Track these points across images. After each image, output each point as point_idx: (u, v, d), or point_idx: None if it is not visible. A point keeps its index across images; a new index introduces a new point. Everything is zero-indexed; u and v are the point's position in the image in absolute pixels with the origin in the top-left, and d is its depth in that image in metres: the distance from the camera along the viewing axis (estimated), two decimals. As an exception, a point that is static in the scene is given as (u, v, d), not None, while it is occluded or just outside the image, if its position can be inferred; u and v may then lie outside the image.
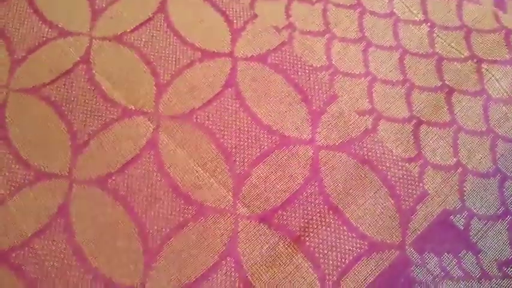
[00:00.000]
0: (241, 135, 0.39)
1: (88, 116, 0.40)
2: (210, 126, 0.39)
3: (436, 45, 0.44)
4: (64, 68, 0.41)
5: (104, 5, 0.44)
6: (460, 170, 0.39)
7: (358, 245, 0.36)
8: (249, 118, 0.40)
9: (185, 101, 0.40)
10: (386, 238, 0.37)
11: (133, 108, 0.40)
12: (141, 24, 0.43)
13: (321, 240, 0.36)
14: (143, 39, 0.42)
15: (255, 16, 0.44)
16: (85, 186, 0.37)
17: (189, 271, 0.35)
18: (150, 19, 0.43)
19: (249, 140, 0.39)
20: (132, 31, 0.43)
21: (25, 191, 0.37)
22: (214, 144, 0.39)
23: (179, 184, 0.37)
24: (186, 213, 0.36)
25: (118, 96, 0.40)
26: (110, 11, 0.43)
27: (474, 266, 0.36)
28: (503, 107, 0.41)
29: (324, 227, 0.36)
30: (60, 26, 0.42)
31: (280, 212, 0.37)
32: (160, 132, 0.39)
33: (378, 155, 0.39)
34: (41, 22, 0.43)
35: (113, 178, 0.37)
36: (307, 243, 0.36)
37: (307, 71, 0.42)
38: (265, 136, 0.39)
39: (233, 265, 0.35)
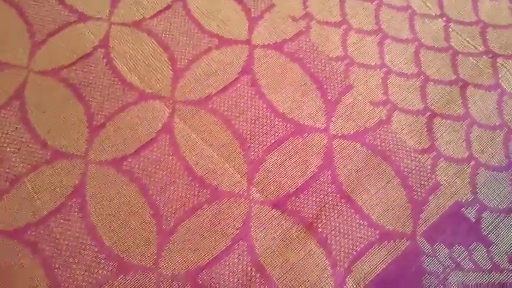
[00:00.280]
0: (257, 122, 0.39)
1: (105, 98, 0.40)
2: (226, 113, 0.40)
3: (451, 39, 0.44)
4: (83, 51, 0.42)
5: (123, -9, 0.44)
6: (472, 163, 0.39)
7: (369, 233, 0.37)
8: (265, 105, 0.40)
9: (201, 87, 0.40)
10: (398, 227, 0.37)
11: (150, 92, 0.40)
12: (160, 12, 0.44)
13: (333, 228, 0.36)
14: (161, 26, 0.43)
15: (273, 5, 0.44)
16: (101, 167, 0.37)
17: (202, 253, 0.35)
18: (168, 6, 0.44)
19: (264, 127, 0.39)
20: (151, 18, 0.43)
21: (42, 169, 0.37)
22: (230, 130, 0.39)
23: (194, 168, 0.38)
24: (201, 197, 0.37)
25: (135, 80, 0.41)
26: (129, -3, 0.44)
27: (485, 258, 0.36)
28: (517, 102, 0.41)
29: (336, 215, 0.37)
30: (80, 10, 0.43)
31: (293, 198, 0.37)
32: (176, 117, 0.39)
33: (391, 146, 0.39)
34: (60, 6, 0.43)
35: (129, 160, 0.38)
36: (320, 230, 0.36)
37: (323, 61, 0.42)
38: (280, 123, 0.39)
39: (246, 249, 0.35)
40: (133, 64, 0.41)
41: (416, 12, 0.45)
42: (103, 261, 0.35)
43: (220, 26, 0.43)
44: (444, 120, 0.40)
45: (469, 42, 0.44)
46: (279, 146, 0.39)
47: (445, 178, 0.38)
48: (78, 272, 0.34)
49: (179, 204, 0.37)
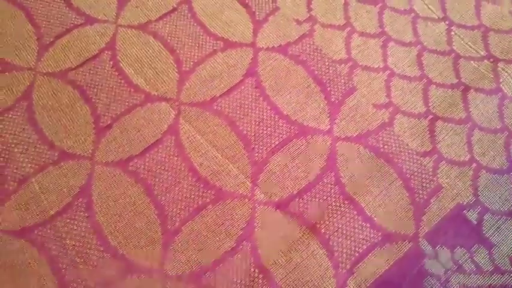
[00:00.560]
0: (261, 124, 0.40)
1: (112, 100, 0.41)
2: (230, 114, 0.40)
3: (453, 43, 0.44)
4: (90, 53, 0.42)
5: (129, -6, 0.45)
6: (474, 165, 0.39)
7: (372, 235, 0.37)
8: (269, 107, 0.41)
9: (206, 88, 0.41)
10: (400, 229, 0.37)
11: (156, 95, 0.41)
12: (166, 14, 0.44)
13: (336, 229, 0.37)
14: (167, 29, 0.43)
15: (277, 9, 0.45)
16: (107, 168, 0.38)
17: (206, 253, 0.36)
18: (174, 9, 0.45)
19: (268, 129, 0.40)
20: (156, 20, 0.44)
21: (49, 170, 0.38)
22: (234, 131, 0.39)
23: (199, 169, 0.38)
24: (205, 197, 0.37)
25: (141, 82, 0.41)
26: (135, 0, 0.44)
27: (486, 260, 0.37)
28: (518, 106, 0.42)
29: (339, 216, 0.37)
30: (87, 13, 0.44)
31: (297, 199, 0.38)
32: (181, 119, 0.40)
33: (394, 148, 0.40)
34: (68, 9, 0.44)
35: (135, 161, 0.38)
36: (323, 231, 0.37)
37: (326, 64, 0.42)
38: (284, 125, 0.40)
39: (249, 250, 0.36)
40: (140, 66, 0.42)
41: (419, 16, 0.46)
42: (109, 261, 0.35)
43: (225, 28, 0.44)
44: (446, 123, 0.41)
45: (470, 47, 0.44)
46: (282, 147, 0.39)
47: (446, 180, 0.39)
48: (85, 272, 0.35)
49: (184, 205, 0.37)
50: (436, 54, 0.44)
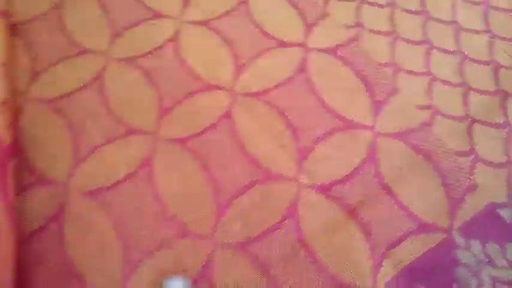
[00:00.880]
0: (309, 116, 0.43)
1: (174, 85, 0.45)
2: (281, 105, 0.44)
3: (494, 54, 0.47)
4: (156, 44, 0.47)
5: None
6: (509, 167, 0.42)
7: (407, 224, 0.39)
8: (317, 101, 0.44)
9: (260, 81, 0.45)
10: (435, 221, 0.40)
11: (214, 84, 0.45)
12: (226, 13, 0.49)
13: (374, 215, 0.40)
14: (227, 26, 0.48)
15: (327, 14, 0.48)
16: (168, 144, 0.42)
17: (253, 227, 0.39)
18: (233, 9, 0.49)
19: (316, 121, 0.43)
20: (218, 18, 0.48)
21: (116, 142, 0.42)
22: (284, 120, 0.43)
23: (249, 151, 0.42)
24: (254, 177, 0.41)
25: (201, 72, 0.45)
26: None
27: (517, 257, 0.39)
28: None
29: (377, 204, 0.40)
30: (154, 8, 0.48)
31: (338, 186, 0.41)
32: (236, 106, 0.44)
33: (433, 147, 0.42)
34: (139, 4, 0.49)
35: (193, 140, 0.42)
36: (361, 217, 0.39)
37: (372, 66, 0.46)
38: (330, 118, 0.43)
39: (292, 226, 0.39)
40: (200, 58, 0.46)
41: (462, 27, 0.49)
42: (166, 225, 0.39)
43: (280, 29, 0.48)
44: (484, 127, 0.43)
45: (511, 57, 0.47)
46: (327, 137, 0.42)
47: (481, 180, 0.41)
48: (143, 233, 0.38)
49: (235, 182, 0.41)
50: (476, 63, 0.46)
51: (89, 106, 0.44)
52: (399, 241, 0.39)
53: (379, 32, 0.47)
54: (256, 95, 0.44)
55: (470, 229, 0.40)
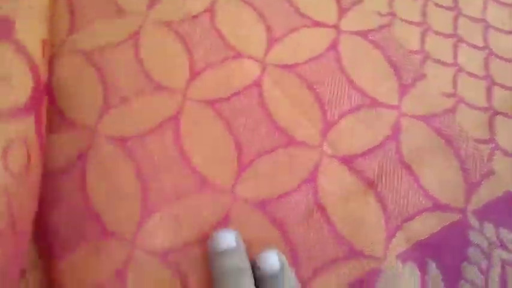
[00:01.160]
0: (336, 91, 0.45)
1: (206, 51, 0.47)
2: (309, 78, 0.45)
3: (521, 53, 0.49)
4: (192, 13, 0.48)
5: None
6: (527, 159, 0.43)
7: (424, 202, 0.40)
8: (345, 79, 0.45)
9: (291, 55, 0.47)
10: (451, 202, 0.41)
11: (245, 53, 0.46)
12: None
13: (391, 189, 0.41)
14: (261, 3, 0.49)
15: (361, 1, 0.50)
16: (196, 104, 0.43)
17: (272, 188, 0.40)
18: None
19: (342, 96, 0.44)
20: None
21: (146, 96, 0.43)
22: (311, 93, 0.44)
23: (275, 118, 0.43)
24: (278, 141, 0.42)
25: (234, 41, 0.47)
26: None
27: (529, 246, 0.39)
28: None
29: (396, 179, 0.41)
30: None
31: (359, 158, 0.42)
32: (265, 76, 0.45)
33: (454, 132, 0.43)
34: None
35: (220, 103, 0.44)
36: (379, 189, 0.40)
37: (401, 52, 0.47)
38: (357, 95, 0.45)
39: (311, 191, 0.40)
40: (234, 28, 0.48)
41: (490, 25, 0.50)
42: (188, 176, 0.40)
43: (315, 10, 0.49)
44: (506, 118, 0.44)
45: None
46: (353, 112, 0.44)
47: (499, 168, 0.42)
48: (163, 183, 0.40)
49: (258, 144, 0.42)
50: (503, 61, 0.48)
51: (122, 61, 0.45)
52: (414, 215, 0.40)
53: (410, 22, 0.49)
54: (286, 67, 0.46)
55: (485, 213, 0.40)
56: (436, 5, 0.51)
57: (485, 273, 0.38)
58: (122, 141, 0.41)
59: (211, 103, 0.44)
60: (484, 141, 0.43)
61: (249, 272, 0.34)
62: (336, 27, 0.49)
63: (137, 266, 0.37)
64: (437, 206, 0.40)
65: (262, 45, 0.48)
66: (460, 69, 0.47)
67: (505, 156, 0.43)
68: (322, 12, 0.50)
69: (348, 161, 0.42)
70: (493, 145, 0.43)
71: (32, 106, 0.34)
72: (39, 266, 0.39)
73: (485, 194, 0.41)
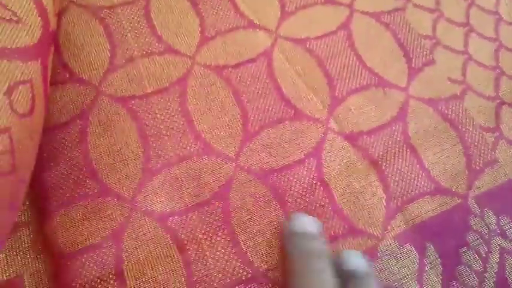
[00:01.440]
0: (345, 68, 0.44)
1: (219, 18, 0.46)
2: (319, 54, 0.45)
3: (531, 48, 0.49)
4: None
5: None
6: (531, 150, 0.43)
7: (426, 184, 0.40)
8: (355, 57, 0.45)
9: (303, 29, 0.46)
10: (452, 187, 0.40)
11: (258, 23, 0.46)
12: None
13: (394, 169, 0.40)
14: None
15: (375, -15, 0.50)
16: (203, 69, 0.42)
17: (276, 159, 0.39)
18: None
19: (352, 74, 0.44)
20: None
21: (154, 58, 0.42)
22: (321, 68, 0.44)
23: (283, 90, 0.42)
24: (285, 113, 0.41)
25: (247, 11, 0.46)
26: None
27: (528, 235, 0.39)
28: None
29: (399, 160, 0.41)
30: None
31: (365, 136, 0.41)
32: (276, 47, 0.44)
33: (460, 118, 0.43)
34: None
35: (229, 69, 0.43)
36: (383, 168, 0.40)
37: (413, 36, 0.47)
38: (366, 74, 0.44)
39: (315, 165, 0.39)
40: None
41: (502, 18, 0.50)
42: (191, 140, 0.39)
43: (328, -12, 0.49)
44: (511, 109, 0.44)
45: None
46: (361, 91, 0.43)
47: (503, 156, 0.42)
48: (166, 144, 0.39)
49: (265, 114, 0.41)
50: (512, 53, 0.48)
51: (132, 21, 0.44)
52: (415, 198, 0.40)
53: (424, 8, 0.48)
54: (297, 41, 0.45)
55: (486, 200, 0.40)
56: (450, -7, 0.51)
57: (484, 259, 0.38)
58: (125, 100, 0.40)
59: (220, 69, 0.43)
60: (490, 130, 0.43)
61: (330, 261, 0.31)
62: (349, 6, 0.49)
63: (135, 228, 0.36)
64: (439, 190, 0.40)
65: (275, 17, 0.47)
66: (470, 58, 0.47)
67: (510, 146, 0.43)
68: (336, -8, 0.49)
69: (353, 138, 0.41)
70: (498, 134, 0.43)
71: (39, 51, 0.33)
72: (32, 224, 0.38)
73: (487, 181, 0.41)
